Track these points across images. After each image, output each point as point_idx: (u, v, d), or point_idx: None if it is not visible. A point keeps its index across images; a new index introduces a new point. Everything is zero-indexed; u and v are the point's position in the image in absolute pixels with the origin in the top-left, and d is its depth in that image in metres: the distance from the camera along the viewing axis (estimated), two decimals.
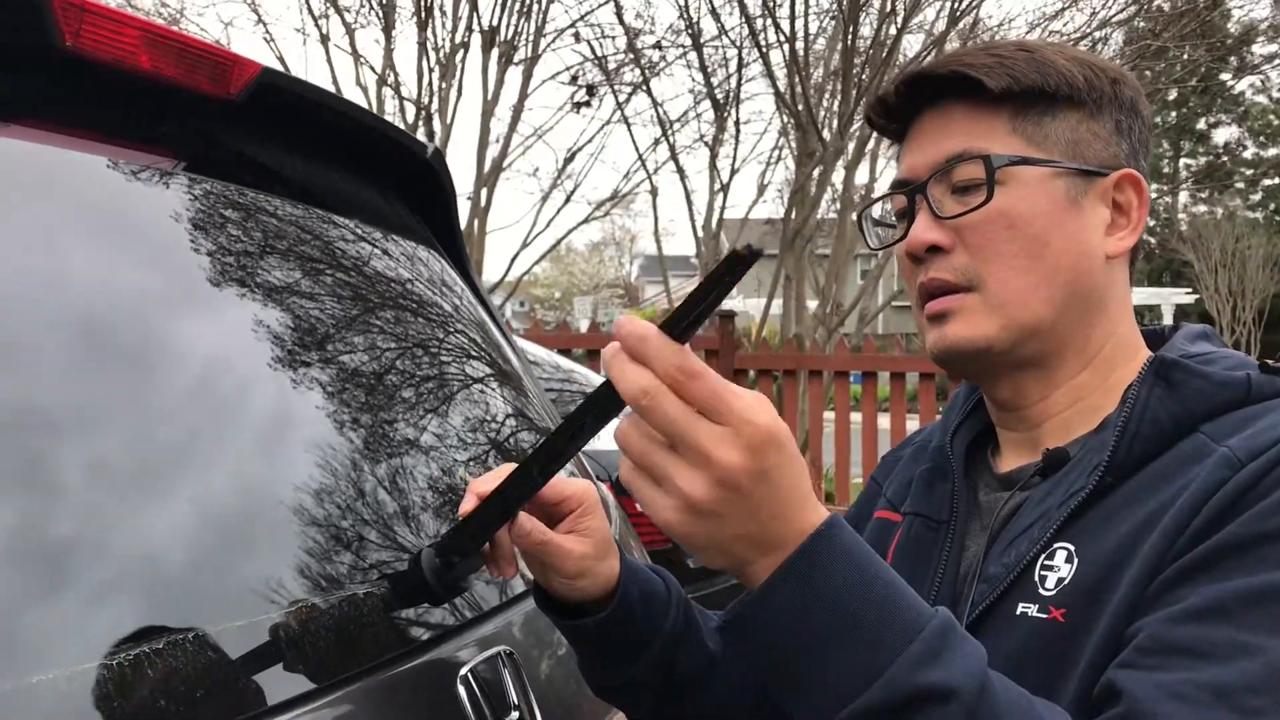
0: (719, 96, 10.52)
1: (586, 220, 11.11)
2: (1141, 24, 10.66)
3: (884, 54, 9.28)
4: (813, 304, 10.46)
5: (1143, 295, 27.57)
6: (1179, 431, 0.92)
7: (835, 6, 9.61)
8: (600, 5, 10.35)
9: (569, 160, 10.38)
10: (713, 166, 10.67)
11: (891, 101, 1.06)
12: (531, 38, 9.59)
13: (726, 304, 10.77)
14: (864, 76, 9.35)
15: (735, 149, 11.27)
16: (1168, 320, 15.02)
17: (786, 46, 9.37)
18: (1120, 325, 1.02)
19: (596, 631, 0.99)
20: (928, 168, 1.02)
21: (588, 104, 9.92)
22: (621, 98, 10.29)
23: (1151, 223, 31.31)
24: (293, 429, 1.10)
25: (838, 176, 10.19)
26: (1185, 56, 10.71)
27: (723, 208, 10.67)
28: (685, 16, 9.90)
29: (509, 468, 0.89)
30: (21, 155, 0.96)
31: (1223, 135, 35.64)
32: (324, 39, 9.43)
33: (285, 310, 1.16)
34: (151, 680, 0.74)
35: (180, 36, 1.07)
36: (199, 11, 14.36)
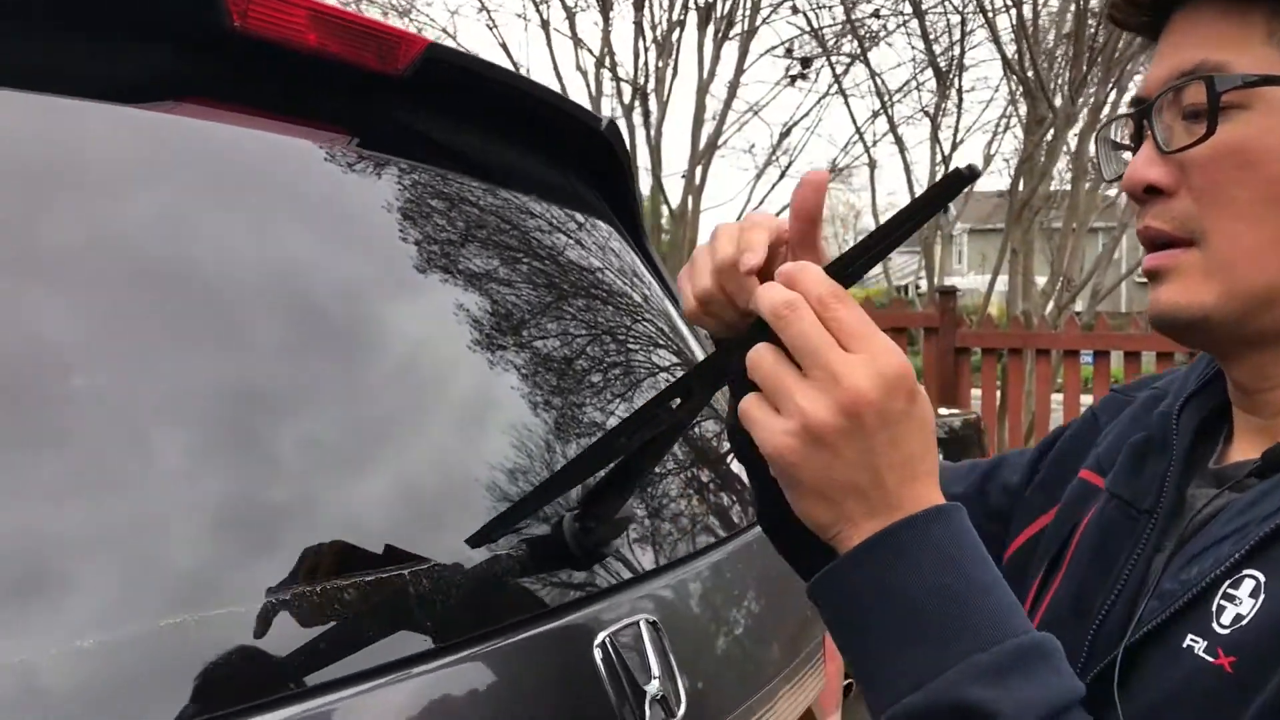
0: (941, 65, 10.16)
1: None
2: None
3: None
4: (1041, 280, 10.00)
5: None
6: None
7: None
8: None
9: (784, 135, 10.27)
10: (934, 138, 10.32)
11: None
12: (748, 12, 9.52)
13: (947, 280, 10.44)
14: (1098, 40, 8.83)
15: (958, 119, 10.86)
16: None
17: (1014, 10, 8.96)
18: None
19: None
20: (1159, 83, 0.82)
21: (803, 76, 9.77)
22: (839, 69, 10.08)
23: None
24: (472, 409, 1.12)
25: (1070, 145, 9.68)
26: None
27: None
28: None
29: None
30: (195, 133, 0.99)
31: None
32: (544, 24, 9.63)
33: (475, 293, 1.18)
34: (351, 606, 0.84)
35: (346, 14, 1.08)
36: (427, 2, 14.88)
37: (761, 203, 10.75)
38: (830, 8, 10.13)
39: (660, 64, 9.44)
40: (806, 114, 11.18)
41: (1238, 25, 0.79)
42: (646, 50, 9.42)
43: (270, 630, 0.78)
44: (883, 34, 10.18)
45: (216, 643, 0.74)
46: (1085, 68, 8.73)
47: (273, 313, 0.97)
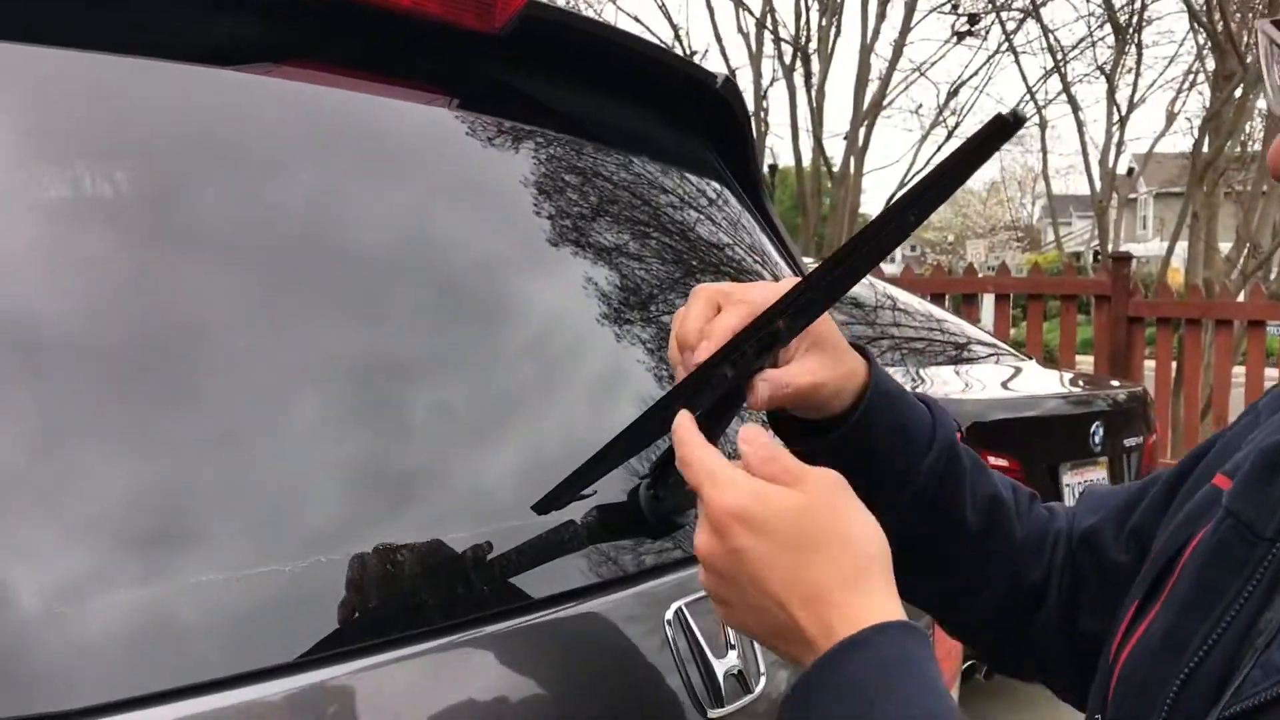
0: (1121, 20, 9.64)
1: None
2: None
3: None
4: (1226, 246, 9.43)
5: None
6: None
7: None
8: None
9: (952, 95, 9.95)
10: (1111, 98, 9.82)
11: None
12: None
13: (1130, 246, 9.93)
14: None
15: (1136, 77, 10.29)
16: None
17: None
18: None
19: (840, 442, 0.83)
20: None
21: (971, 33, 9.42)
22: (1010, 27, 9.69)
23: None
24: (600, 381, 1.13)
25: (1261, 103, 9.08)
26: None
27: (1119, 143, 9.81)
28: None
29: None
30: (295, 96, 1.00)
31: None
32: None
33: (594, 260, 1.16)
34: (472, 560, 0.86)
35: None
36: None
37: (926, 165, 10.43)
38: None
39: (824, 23, 9.25)
40: (975, 73, 10.81)
41: None
42: (809, 9, 9.25)
43: (367, 579, 0.81)
44: None
45: (336, 585, 0.78)
46: None
47: (396, 278, 0.97)
